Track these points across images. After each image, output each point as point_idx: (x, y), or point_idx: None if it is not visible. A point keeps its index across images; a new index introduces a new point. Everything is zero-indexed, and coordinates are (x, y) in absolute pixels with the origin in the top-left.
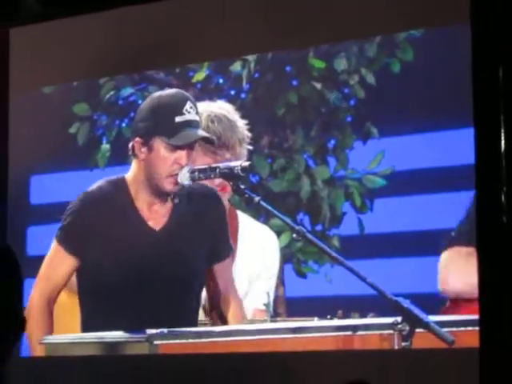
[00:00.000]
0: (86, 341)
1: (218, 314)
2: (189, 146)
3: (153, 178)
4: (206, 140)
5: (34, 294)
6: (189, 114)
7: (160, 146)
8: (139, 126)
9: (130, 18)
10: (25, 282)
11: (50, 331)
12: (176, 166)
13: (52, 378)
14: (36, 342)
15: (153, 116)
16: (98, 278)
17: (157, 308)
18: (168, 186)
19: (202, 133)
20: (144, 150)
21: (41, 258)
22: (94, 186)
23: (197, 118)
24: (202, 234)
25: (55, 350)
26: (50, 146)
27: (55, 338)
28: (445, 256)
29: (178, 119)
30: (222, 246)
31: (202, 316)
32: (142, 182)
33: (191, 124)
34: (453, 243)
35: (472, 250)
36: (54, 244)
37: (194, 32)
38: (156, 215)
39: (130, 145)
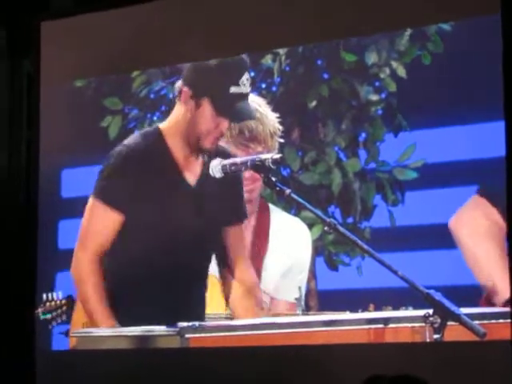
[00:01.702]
0: (118, 334)
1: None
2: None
3: (194, 133)
4: (240, 132)
5: (83, 256)
6: (244, 86)
7: (208, 107)
8: (193, 78)
9: (160, 11)
10: (56, 274)
11: (103, 294)
12: (217, 130)
13: (83, 371)
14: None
15: (209, 77)
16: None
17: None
18: (207, 143)
19: (252, 114)
20: (191, 103)
21: (72, 252)
22: (128, 141)
23: (248, 91)
24: (221, 195)
25: (87, 344)
26: (81, 140)
27: (87, 332)
28: None
29: (232, 90)
30: (235, 210)
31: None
32: (182, 133)
33: (243, 97)
34: None
35: None
36: (94, 202)
37: (225, 25)
38: (191, 168)
39: (178, 88)
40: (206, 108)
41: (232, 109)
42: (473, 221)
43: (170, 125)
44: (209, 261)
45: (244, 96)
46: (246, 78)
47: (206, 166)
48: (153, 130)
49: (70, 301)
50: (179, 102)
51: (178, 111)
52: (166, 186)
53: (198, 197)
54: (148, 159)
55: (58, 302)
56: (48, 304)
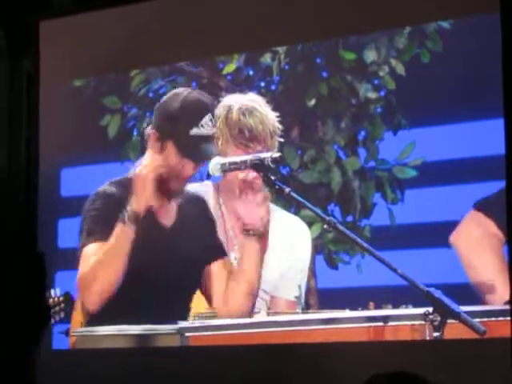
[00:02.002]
0: (117, 333)
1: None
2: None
3: (161, 176)
4: (240, 131)
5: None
6: (204, 128)
7: (172, 150)
8: (157, 121)
9: (159, 9)
10: (56, 274)
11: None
12: (183, 172)
13: (83, 370)
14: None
15: (171, 119)
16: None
17: (165, 305)
18: (174, 186)
19: (212, 156)
20: (158, 145)
21: (71, 251)
22: (100, 189)
23: (212, 132)
24: (197, 235)
25: (87, 343)
26: (80, 139)
27: (86, 331)
28: None
29: (193, 132)
30: (211, 248)
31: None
32: (152, 178)
33: (205, 139)
34: None
35: None
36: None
37: (224, 23)
38: (166, 212)
39: (147, 132)
40: (171, 150)
41: (195, 150)
42: (469, 234)
43: (141, 171)
44: (190, 299)
45: (206, 137)
46: (208, 119)
47: (180, 209)
48: (124, 178)
49: (68, 297)
50: (148, 146)
51: (147, 155)
52: (142, 231)
53: (174, 239)
54: (123, 207)
55: (56, 299)
56: None
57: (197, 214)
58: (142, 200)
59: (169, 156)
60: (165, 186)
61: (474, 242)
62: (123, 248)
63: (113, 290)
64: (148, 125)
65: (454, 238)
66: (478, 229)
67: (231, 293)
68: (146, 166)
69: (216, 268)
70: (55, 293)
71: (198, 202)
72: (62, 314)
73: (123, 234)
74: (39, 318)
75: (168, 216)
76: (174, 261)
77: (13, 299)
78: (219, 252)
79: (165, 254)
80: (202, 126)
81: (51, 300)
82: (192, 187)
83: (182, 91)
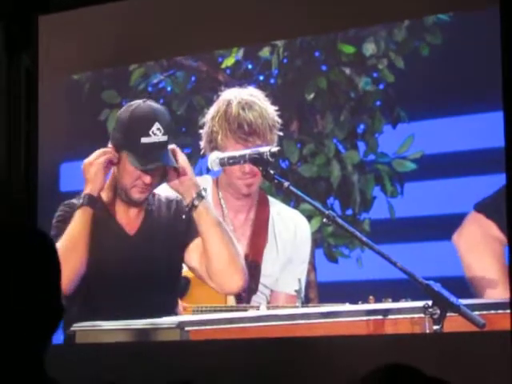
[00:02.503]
0: (117, 327)
1: None
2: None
3: (121, 187)
4: (239, 126)
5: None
6: (155, 135)
7: (126, 160)
8: (112, 135)
9: (157, 4)
10: None
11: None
12: (140, 181)
13: (81, 366)
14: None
15: (122, 130)
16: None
17: (135, 307)
18: (135, 194)
19: (164, 161)
20: (115, 158)
21: None
22: (67, 201)
23: (163, 139)
24: (172, 238)
25: (86, 337)
26: (79, 134)
27: (85, 326)
28: None
29: (143, 140)
30: (184, 233)
31: (233, 302)
32: (116, 188)
33: (156, 147)
34: None
35: None
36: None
37: (223, 17)
38: (131, 220)
39: (108, 146)
40: (125, 161)
41: (148, 161)
42: (470, 236)
43: (106, 185)
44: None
45: (156, 145)
46: (156, 128)
47: (147, 213)
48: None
49: None
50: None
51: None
52: (108, 239)
53: (138, 244)
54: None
55: None
56: None
57: (170, 216)
58: (95, 184)
59: (124, 167)
60: (126, 196)
61: (474, 244)
62: (83, 230)
63: (80, 271)
64: None
65: (455, 238)
66: (479, 230)
67: (208, 267)
68: (93, 154)
69: (193, 247)
70: None
71: (170, 204)
72: None
73: (81, 217)
74: (57, 312)
75: (132, 223)
76: (143, 262)
77: (28, 297)
78: (194, 234)
79: (130, 259)
80: (151, 134)
81: None
82: (163, 190)
83: (135, 102)
